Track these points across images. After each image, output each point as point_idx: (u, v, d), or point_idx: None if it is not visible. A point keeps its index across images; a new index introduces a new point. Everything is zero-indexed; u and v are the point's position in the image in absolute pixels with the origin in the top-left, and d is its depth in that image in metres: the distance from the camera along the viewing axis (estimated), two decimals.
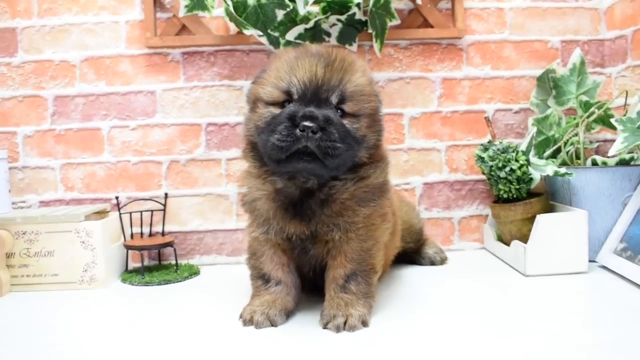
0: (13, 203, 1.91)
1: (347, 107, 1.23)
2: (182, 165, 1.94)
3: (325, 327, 1.26)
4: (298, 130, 1.17)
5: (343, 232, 1.28)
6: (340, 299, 1.28)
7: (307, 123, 1.16)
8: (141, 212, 1.89)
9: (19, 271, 1.69)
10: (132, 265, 1.90)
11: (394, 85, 1.95)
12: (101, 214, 1.86)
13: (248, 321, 1.30)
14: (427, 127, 1.97)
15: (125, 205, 1.90)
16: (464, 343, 1.15)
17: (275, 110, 1.24)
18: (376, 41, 1.84)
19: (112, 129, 1.93)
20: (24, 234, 1.69)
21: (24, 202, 1.94)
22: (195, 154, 1.94)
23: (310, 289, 1.43)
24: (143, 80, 1.92)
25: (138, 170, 1.94)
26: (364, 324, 1.26)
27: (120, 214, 1.83)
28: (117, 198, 1.84)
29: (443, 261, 1.82)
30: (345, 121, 1.23)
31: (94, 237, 1.69)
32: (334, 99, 1.22)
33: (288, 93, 1.23)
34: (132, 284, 1.73)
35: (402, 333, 1.22)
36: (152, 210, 1.90)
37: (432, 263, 1.81)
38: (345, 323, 1.24)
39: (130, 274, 1.80)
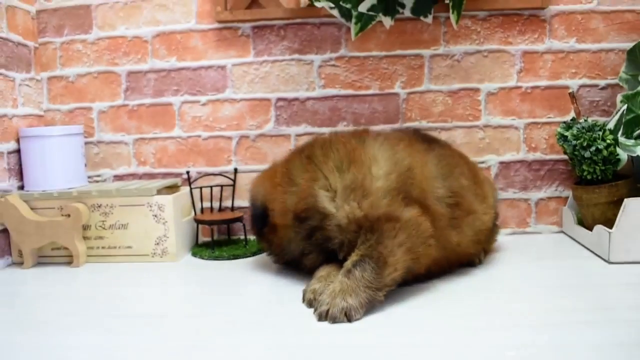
0: (89, 177, 1.96)
1: None
2: (251, 140, 1.93)
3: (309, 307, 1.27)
4: None
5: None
6: (340, 283, 1.21)
7: None
8: (211, 187, 1.90)
9: (95, 243, 1.74)
10: (202, 239, 1.92)
11: (471, 59, 1.86)
12: (172, 188, 1.89)
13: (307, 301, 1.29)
14: (505, 104, 1.87)
15: (195, 180, 1.91)
16: (541, 331, 1.08)
17: None
18: (453, 12, 1.75)
19: (183, 104, 1.94)
20: (99, 207, 1.73)
21: (99, 176, 1.99)
22: (264, 129, 1.92)
23: None
24: (213, 55, 1.92)
25: (208, 145, 1.94)
26: (348, 317, 1.16)
27: (191, 188, 1.85)
28: (187, 173, 1.85)
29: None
30: None
31: (166, 211, 1.71)
32: None
33: None
34: (202, 258, 1.74)
35: (470, 317, 1.17)
36: (221, 185, 1.90)
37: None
38: (327, 312, 1.17)
39: (200, 248, 1.81)
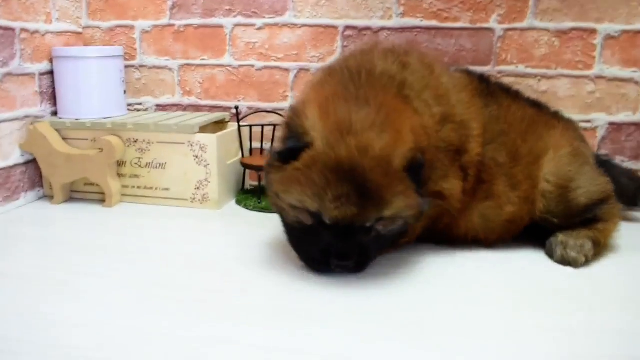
0: (129, 105, 1.76)
1: (385, 214, 1.00)
2: (312, 74, 1.65)
3: None
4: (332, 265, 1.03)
5: None
6: None
7: (341, 263, 1.02)
8: (262, 125, 1.66)
9: (130, 181, 1.56)
10: (250, 183, 1.71)
11: None
12: (219, 124, 1.66)
13: None
14: (627, 51, 1.50)
15: (245, 116, 1.67)
16: None
17: (305, 219, 1.03)
18: None
19: (236, 28, 1.68)
20: (135, 142, 1.53)
21: (140, 104, 1.78)
22: (328, 62, 1.63)
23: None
24: None
25: (262, 77, 1.69)
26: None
27: (239, 126, 1.62)
28: (236, 108, 1.62)
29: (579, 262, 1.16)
30: (380, 226, 1.02)
31: (209, 152, 1.49)
32: (369, 224, 1.01)
33: (319, 216, 1.00)
34: (247, 208, 1.54)
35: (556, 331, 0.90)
36: (274, 125, 1.66)
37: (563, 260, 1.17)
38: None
39: (246, 196, 1.60)
